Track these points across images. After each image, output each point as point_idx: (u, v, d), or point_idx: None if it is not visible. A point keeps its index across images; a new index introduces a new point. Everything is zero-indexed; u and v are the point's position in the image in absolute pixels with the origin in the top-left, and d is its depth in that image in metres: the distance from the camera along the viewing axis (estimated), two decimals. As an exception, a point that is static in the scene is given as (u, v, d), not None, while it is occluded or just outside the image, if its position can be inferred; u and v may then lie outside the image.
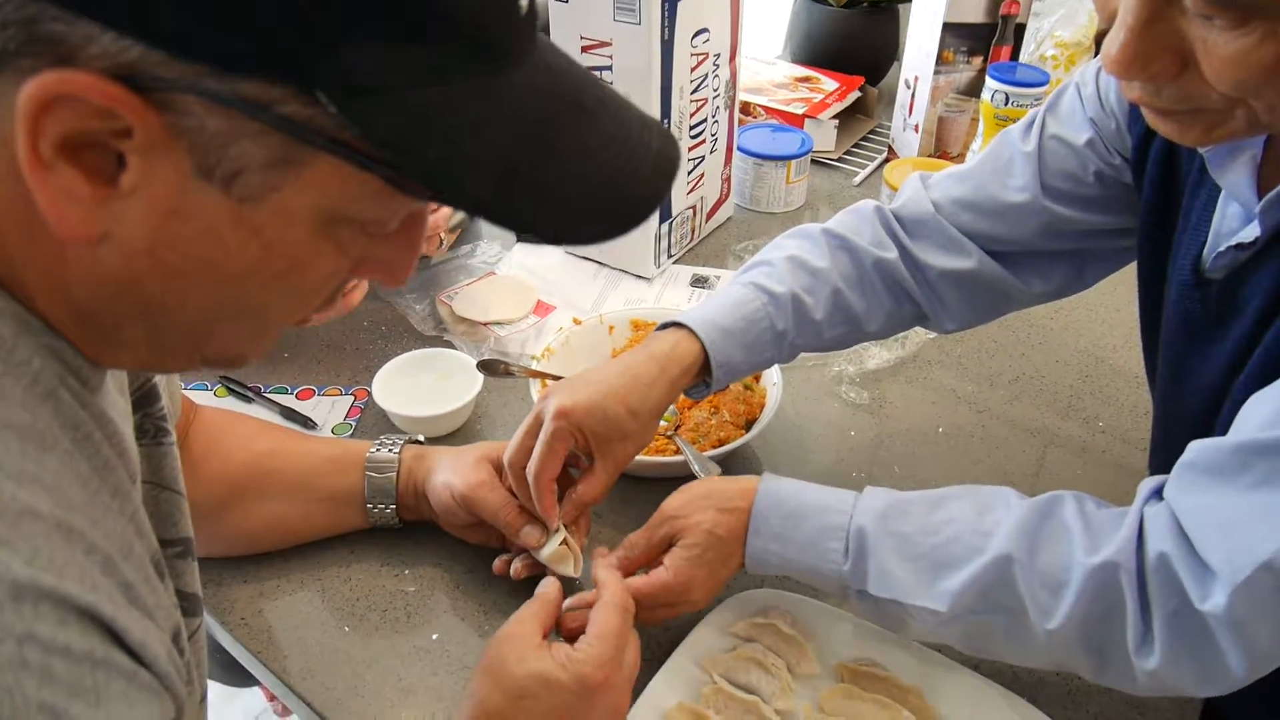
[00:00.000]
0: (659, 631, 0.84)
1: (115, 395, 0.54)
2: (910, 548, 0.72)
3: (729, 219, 1.49)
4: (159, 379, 0.63)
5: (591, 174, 0.44)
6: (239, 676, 1.20)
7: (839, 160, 1.67)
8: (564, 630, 0.74)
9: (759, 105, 1.67)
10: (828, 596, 0.82)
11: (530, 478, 0.80)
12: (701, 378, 0.87)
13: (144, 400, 0.61)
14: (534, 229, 0.43)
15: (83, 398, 0.46)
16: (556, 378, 1.03)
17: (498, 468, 0.85)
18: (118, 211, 0.40)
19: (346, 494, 0.88)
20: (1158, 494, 0.68)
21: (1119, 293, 1.35)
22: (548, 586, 0.75)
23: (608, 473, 0.83)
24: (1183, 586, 0.62)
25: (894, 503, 0.75)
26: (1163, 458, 0.83)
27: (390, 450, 0.88)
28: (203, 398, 1.06)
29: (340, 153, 0.39)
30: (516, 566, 0.85)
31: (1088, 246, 0.91)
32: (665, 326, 0.88)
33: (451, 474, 0.85)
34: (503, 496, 0.83)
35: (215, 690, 1.79)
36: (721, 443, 0.94)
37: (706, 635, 0.80)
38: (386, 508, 0.88)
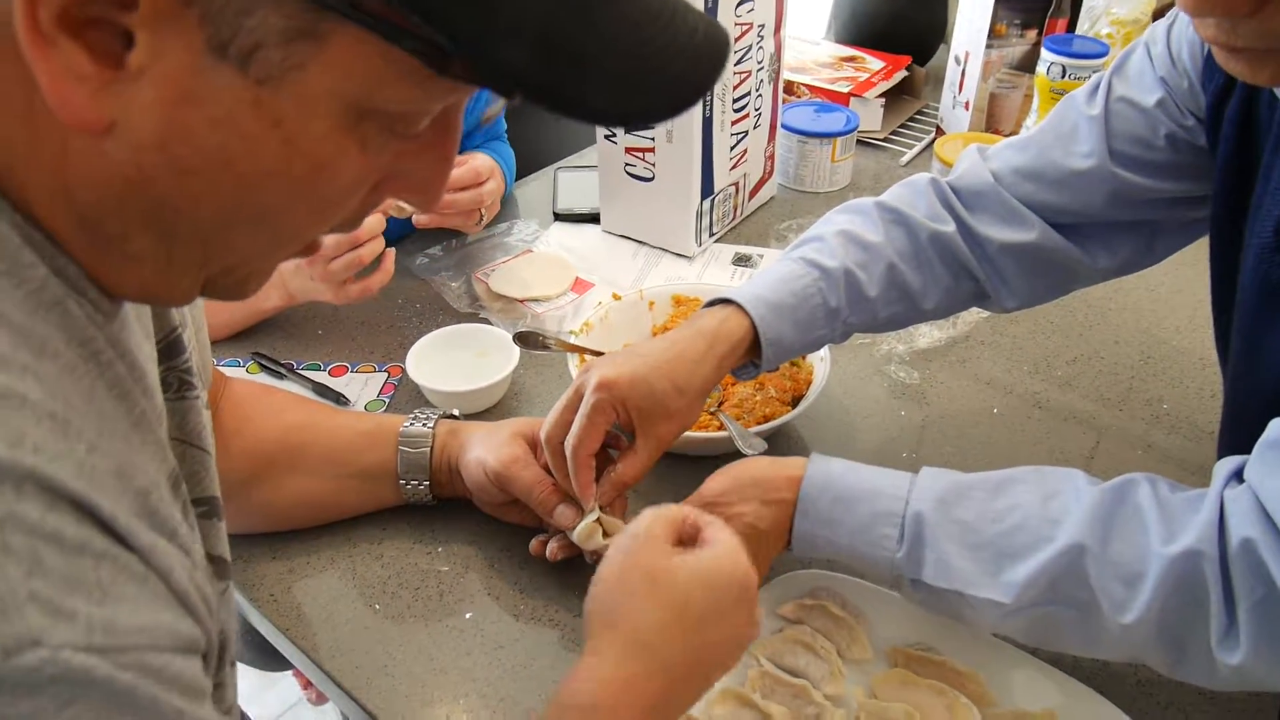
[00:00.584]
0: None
1: (140, 336, 0.51)
2: (972, 535, 0.67)
3: (772, 198, 1.45)
4: (187, 334, 0.60)
5: (636, 46, 0.39)
6: (271, 660, 1.18)
7: (885, 140, 1.63)
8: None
9: (803, 84, 1.62)
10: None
11: (568, 452, 0.76)
12: (750, 357, 0.83)
13: (169, 351, 0.58)
14: (579, 104, 0.39)
15: (96, 320, 0.43)
16: (595, 353, 1.00)
17: (533, 444, 0.82)
18: (126, 97, 0.37)
19: (379, 469, 0.85)
20: (1237, 476, 0.63)
21: (1181, 273, 1.30)
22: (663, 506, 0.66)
23: (649, 452, 0.79)
24: (1270, 574, 0.57)
25: (953, 486, 0.70)
26: (1233, 439, 0.78)
27: (424, 425, 0.85)
28: (234, 374, 1.04)
29: (364, 22, 0.36)
30: (553, 547, 0.81)
31: (1157, 217, 0.86)
32: (713, 304, 0.84)
33: (485, 450, 0.82)
34: (536, 474, 0.80)
35: (249, 678, 1.79)
36: (767, 419, 0.91)
37: (752, 617, 0.77)
38: (420, 484, 0.85)
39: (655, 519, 0.64)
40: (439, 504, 0.87)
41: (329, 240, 1.01)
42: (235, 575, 0.83)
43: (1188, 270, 1.30)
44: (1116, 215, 0.86)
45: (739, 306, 0.81)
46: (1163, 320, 1.21)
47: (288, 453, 0.84)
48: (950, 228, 0.87)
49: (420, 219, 1.15)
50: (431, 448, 0.84)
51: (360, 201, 0.45)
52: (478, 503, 0.86)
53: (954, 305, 0.91)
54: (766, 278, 0.85)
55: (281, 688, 1.82)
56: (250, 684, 1.80)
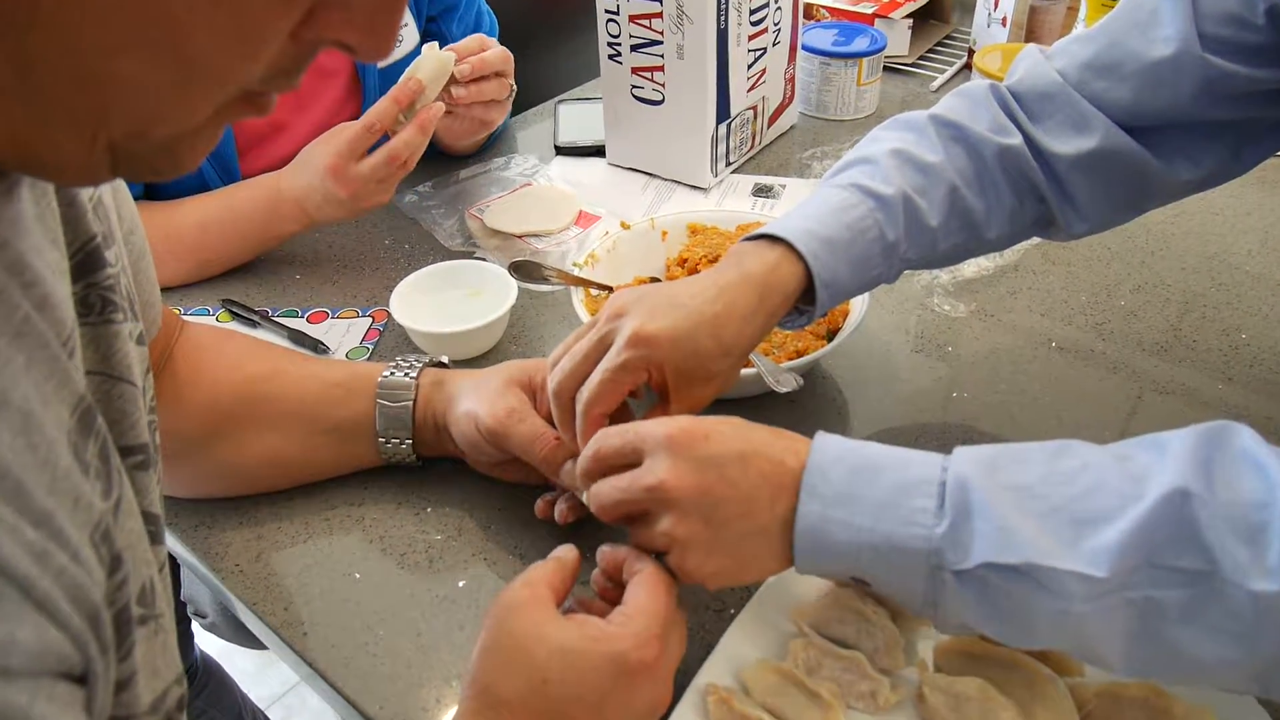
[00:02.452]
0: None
1: (40, 238, 0.40)
2: (1036, 502, 0.51)
3: (793, 127, 1.32)
4: (111, 252, 0.49)
5: None
6: (254, 638, 1.08)
7: (913, 65, 1.50)
8: (588, 604, 0.59)
9: (823, 6, 1.50)
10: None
11: (580, 410, 0.64)
12: (799, 304, 0.71)
13: (86, 265, 0.47)
14: None
15: None
16: (603, 287, 0.88)
17: (530, 392, 0.71)
18: None
19: (354, 425, 0.74)
20: None
21: (1247, 194, 1.18)
22: (564, 550, 0.60)
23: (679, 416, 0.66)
24: None
25: (1000, 452, 0.55)
26: None
27: (406, 374, 0.74)
28: (200, 322, 0.94)
29: None
30: (562, 509, 0.70)
31: (1250, 115, 0.73)
32: (754, 238, 0.70)
33: (475, 402, 0.70)
34: (536, 427, 0.69)
35: (247, 659, 1.71)
36: (800, 354, 0.79)
37: (792, 580, 0.66)
38: (401, 442, 0.74)
39: (539, 572, 0.57)
40: (424, 464, 0.77)
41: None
42: (196, 545, 0.73)
43: (1253, 191, 1.18)
44: (1203, 114, 0.73)
45: (789, 246, 0.68)
46: (1232, 245, 1.08)
47: (249, 406, 0.73)
48: (1017, 140, 0.74)
49: (460, 92, 0.97)
50: (414, 400, 0.73)
51: (292, 37, 0.34)
52: (471, 462, 0.75)
53: (1017, 233, 0.79)
54: (814, 209, 0.71)
55: (282, 667, 1.73)
56: (252, 661, 1.72)
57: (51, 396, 0.36)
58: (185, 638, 1.32)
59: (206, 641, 1.43)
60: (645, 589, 0.55)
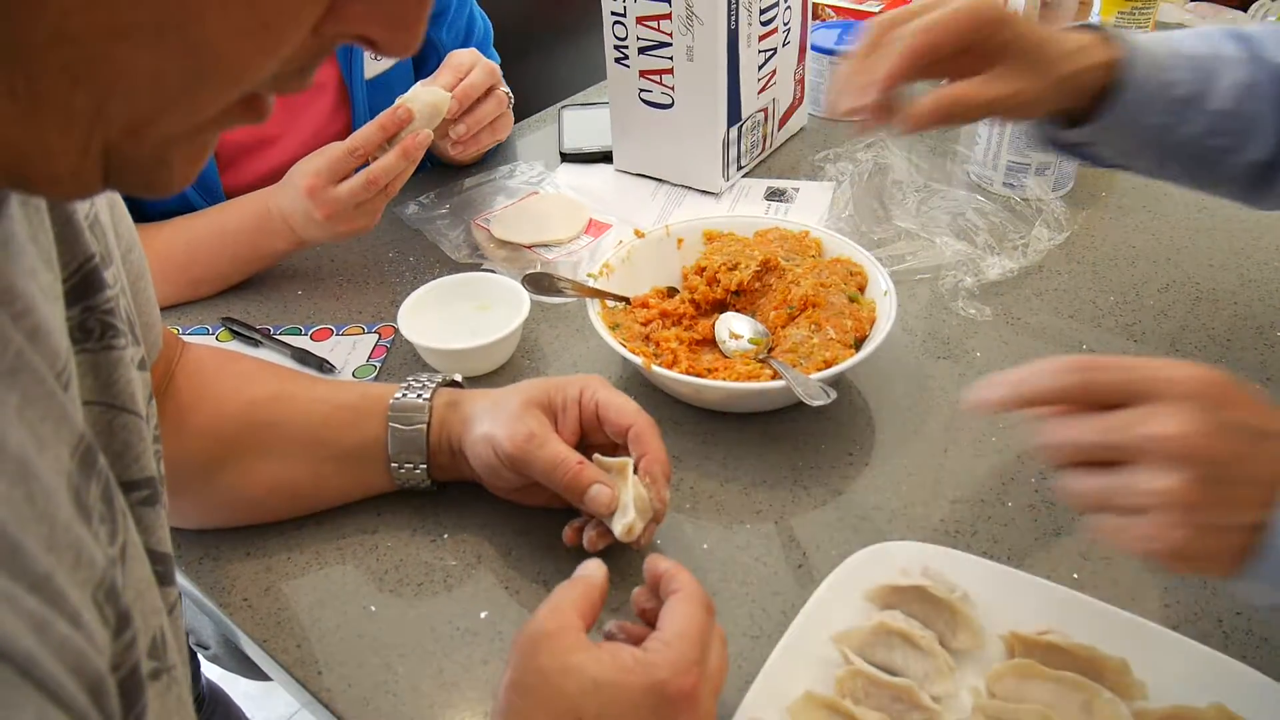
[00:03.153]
0: (768, 600, 0.66)
1: (33, 260, 0.37)
2: None
3: (802, 129, 1.29)
4: (109, 272, 0.45)
5: None
6: (258, 669, 1.04)
7: (921, 64, 1.47)
8: (629, 629, 0.56)
9: (829, 6, 1.47)
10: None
11: (909, 36, 0.65)
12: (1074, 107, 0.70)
13: (84, 288, 0.43)
14: None
15: None
16: (618, 297, 0.85)
17: (549, 413, 0.68)
18: None
19: (366, 450, 0.71)
20: None
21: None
22: (590, 567, 0.56)
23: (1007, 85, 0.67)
24: None
25: None
26: None
27: (419, 396, 0.70)
28: (200, 343, 0.90)
29: None
30: (591, 536, 0.67)
31: None
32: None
33: (493, 425, 0.67)
34: (558, 452, 0.65)
35: (242, 687, 1.66)
36: (828, 364, 0.76)
37: (832, 604, 0.62)
38: (415, 466, 0.70)
39: (565, 596, 0.53)
40: (440, 489, 0.73)
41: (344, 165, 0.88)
42: (201, 578, 0.69)
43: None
44: None
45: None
46: (1257, 240, 1.06)
47: (253, 432, 0.69)
48: None
49: (458, 130, 0.95)
50: (429, 423, 0.70)
51: (314, 33, 0.31)
52: (488, 487, 0.71)
53: (1259, 179, 0.73)
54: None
55: (279, 694, 1.68)
56: (256, 684, 1.68)
57: (49, 438, 0.33)
58: (191, 669, 1.28)
59: (208, 667, 1.39)
60: (681, 610, 0.52)
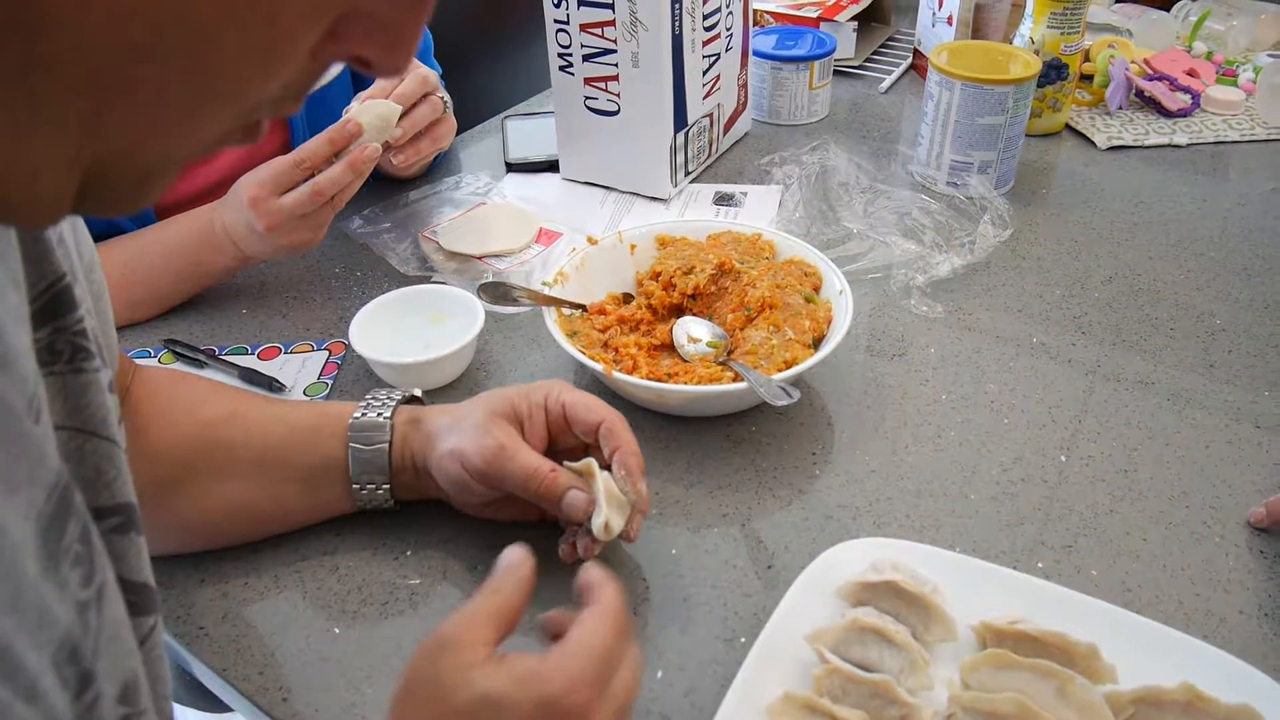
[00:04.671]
0: (739, 603, 0.66)
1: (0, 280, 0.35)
2: None
3: (747, 134, 1.30)
4: (79, 290, 0.44)
5: None
6: (215, 702, 1.01)
7: (860, 68, 1.49)
8: (552, 623, 0.53)
9: (767, 12, 1.48)
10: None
11: None
12: None
13: (54, 307, 0.42)
14: None
15: None
16: (575, 305, 0.84)
17: (515, 422, 0.66)
18: None
19: (326, 471, 0.68)
20: None
21: (1201, 182, 1.18)
22: (511, 560, 0.52)
23: None
24: None
25: None
26: None
27: (380, 414, 0.69)
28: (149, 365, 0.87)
29: None
30: (585, 544, 0.65)
31: None
32: None
33: (459, 440, 0.65)
34: (529, 461, 0.64)
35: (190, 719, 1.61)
36: (789, 364, 0.76)
37: (805, 603, 0.62)
38: (378, 487, 0.68)
39: (480, 606, 0.49)
40: (403, 507, 0.72)
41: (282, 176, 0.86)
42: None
43: (1206, 180, 1.19)
44: None
45: None
46: (1193, 231, 1.09)
47: (207, 454, 0.67)
48: None
49: (399, 160, 0.95)
50: (390, 442, 0.68)
51: (312, 55, 0.31)
52: (456, 504, 0.70)
53: None
54: None
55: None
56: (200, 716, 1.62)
57: (21, 480, 0.31)
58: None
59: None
60: (590, 625, 0.49)
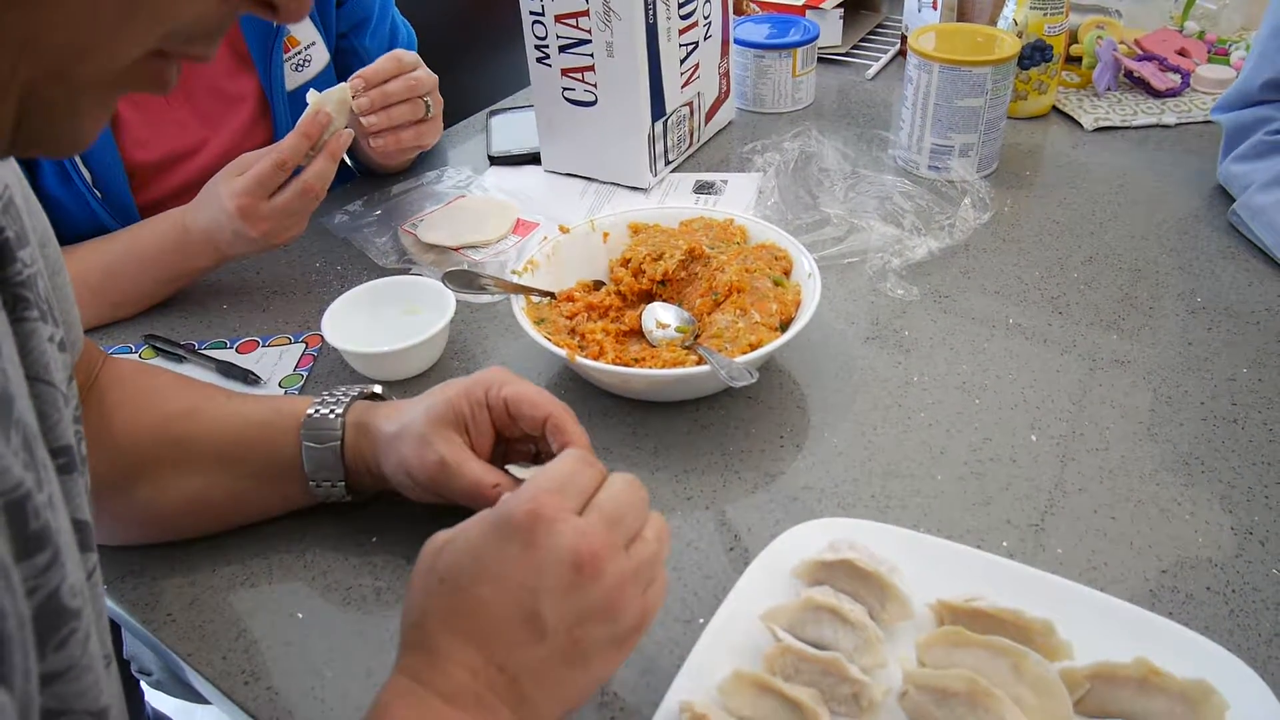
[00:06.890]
0: (699, 584, 0.66)
1: None
2: None
3: (730, 122, 1.30)
4: (26, 253, 0.46)
5: None
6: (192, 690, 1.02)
7: (847, 55, 1.48)
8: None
9: (753, 1, 1.48)
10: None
11: None
12: None
13: None
14: None
15: None
16: (544, 293, 0.85)
17: (459, 428, 0.65)
18: None
19: (282, 467, 0.68)
20: None
21: (1187, 161, 1.17)
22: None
23: None
24: None
25: None
26: None
27: (333, 411, 0.68)
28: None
29: None
30: None
31: None
32: None
33: (405, 450, 0.64)
34: (471, 477, 0.63)
35: (208, 714, 1.62)
36: (754, 347, 0.76)
37: (761, 583, 0.62)
38: (334, 484, 0.68)
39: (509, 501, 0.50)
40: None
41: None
42: (125, 595, 0.68)
43: (1193, 158, 1.18)
44: None
45: None
46: (1175, 212, 1.08)
47: (170, 447, 0.67)
48: None
49: (370, 120, 0.94)
50: (342, 440, 0.67)
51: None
52: (417, 500, 0.70)
53: None
54: None
55: (202, 715, 1.64)
56: (173, 710, 1.62)
57: None
58: (134, 698, 1.25)
59: (159, 700, 1.37)
60: (553, 465, 0.52)
